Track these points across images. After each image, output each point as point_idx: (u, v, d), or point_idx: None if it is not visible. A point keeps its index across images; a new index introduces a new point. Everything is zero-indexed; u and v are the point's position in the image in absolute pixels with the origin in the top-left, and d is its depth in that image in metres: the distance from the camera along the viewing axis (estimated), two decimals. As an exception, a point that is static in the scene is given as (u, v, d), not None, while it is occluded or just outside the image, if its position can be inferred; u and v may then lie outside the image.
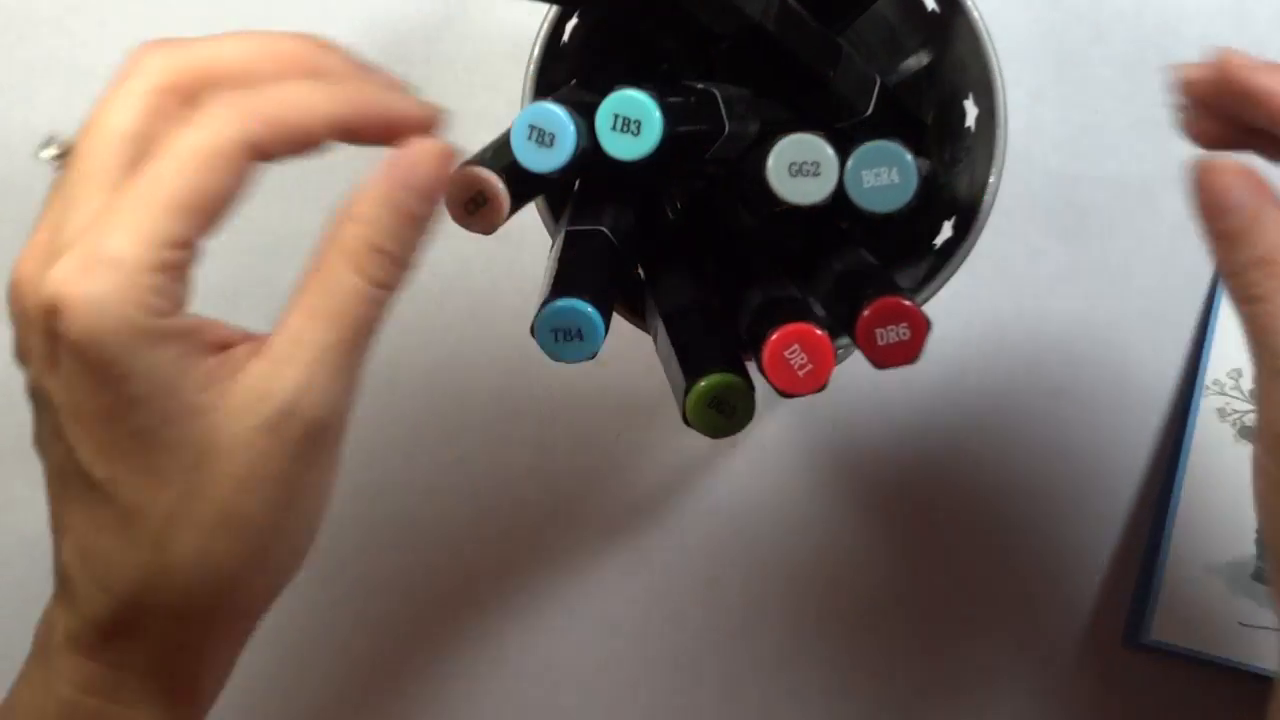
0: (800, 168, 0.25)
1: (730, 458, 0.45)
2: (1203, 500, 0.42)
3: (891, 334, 0.26)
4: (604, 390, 0.44)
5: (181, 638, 0.27)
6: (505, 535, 0.45)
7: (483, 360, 0.44)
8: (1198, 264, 0.44)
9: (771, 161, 0.25)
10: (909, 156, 0.26)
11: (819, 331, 0.26)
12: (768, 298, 0.29)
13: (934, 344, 0.43)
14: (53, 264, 0.26)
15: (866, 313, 0.26)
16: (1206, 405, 0.42)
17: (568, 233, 0.29)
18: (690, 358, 0.28)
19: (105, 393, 0.25)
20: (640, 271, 0.32)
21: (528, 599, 0.45)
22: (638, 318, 0.33)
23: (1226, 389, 0.43)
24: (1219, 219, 0.30)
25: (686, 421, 0.27)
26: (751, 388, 0.27)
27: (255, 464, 0.26)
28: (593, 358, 0.26)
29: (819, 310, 0.30)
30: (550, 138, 0.26)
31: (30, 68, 0.43)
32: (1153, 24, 0.43)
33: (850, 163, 0.26)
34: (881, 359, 0.26)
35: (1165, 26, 0.43)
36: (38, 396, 0.27)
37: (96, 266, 0.25)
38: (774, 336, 0.26)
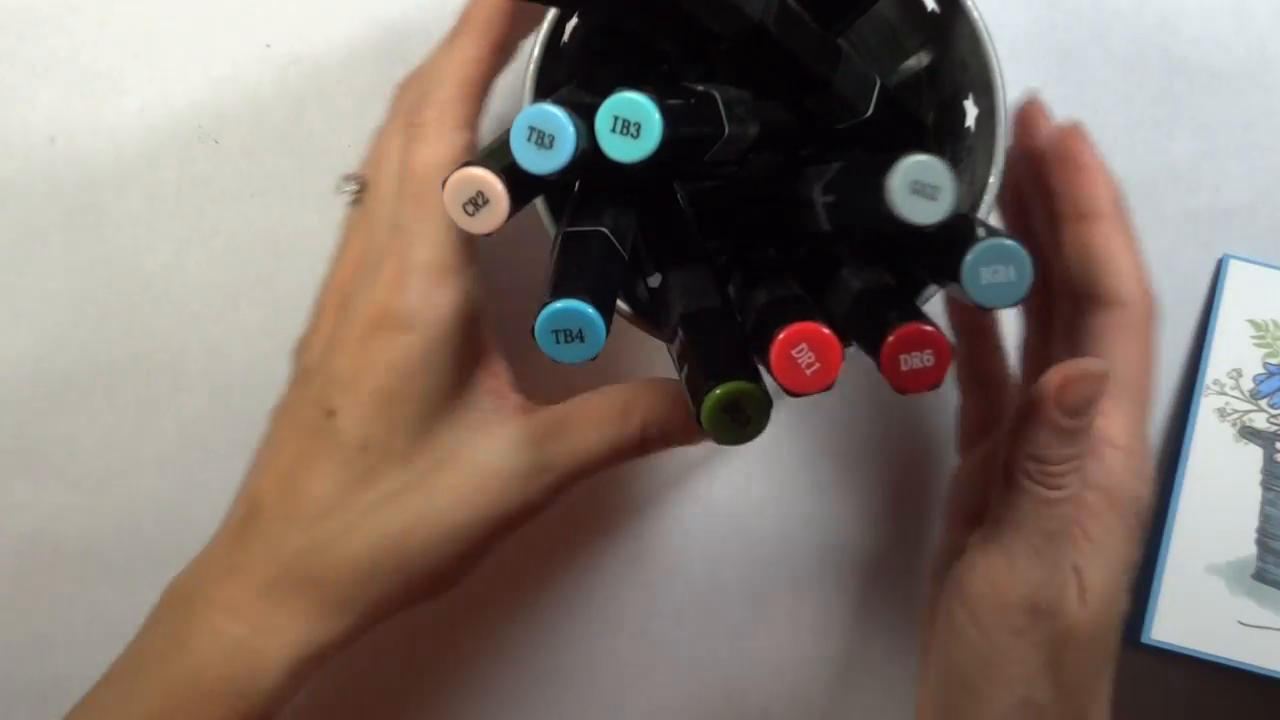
0: (922, 188, 0.25)
1: (730, 457, 0.45)
2: (1203, 500, 0.42)
3: (915, 360, 0.26)
4: (604, 390, 0.44)
5: (343, 596, 0.32)
6: (505, 535, 0.45)
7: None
8: (1198, 264, 0.44)
9: (896, 180, 0.25)
10: (1027, 255, 0.25)
11: (826, 330, 0.26)
12: (773, 296, 0.29)
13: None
14: (375, 277, 0.32)
15: (891, 339, 0.26)
16: (1206, 405, 0.43)
17: (567, 234, 0.29)
18: (710, 362, 0.28)
19: (396, 377, 0.31)
20: (650, 272, 0.32)
21: (527, 599, 0.45)
22: (641, 319, 0.33)
23: (1226, 389, 0.43)
24: (1073, 415, 0.32)
25: (700, 425, 0.27)
26: (768, 398, 0.27)
27: (475, 496, 0.32)
28: (594, 359, 0.26)
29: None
30: (550, 139, 0.26)
31: (30, 68, 0.43)
32: (1152, 23, 0.43)
33: (969, 259, 0.25)
34: (905, 385, 0.26)
35: (1165, 26, 0.43)
36: (311, 374, 0.33)
37: (408, 276, 0.31)
38: (781, 335, 0.26)
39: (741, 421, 0.27)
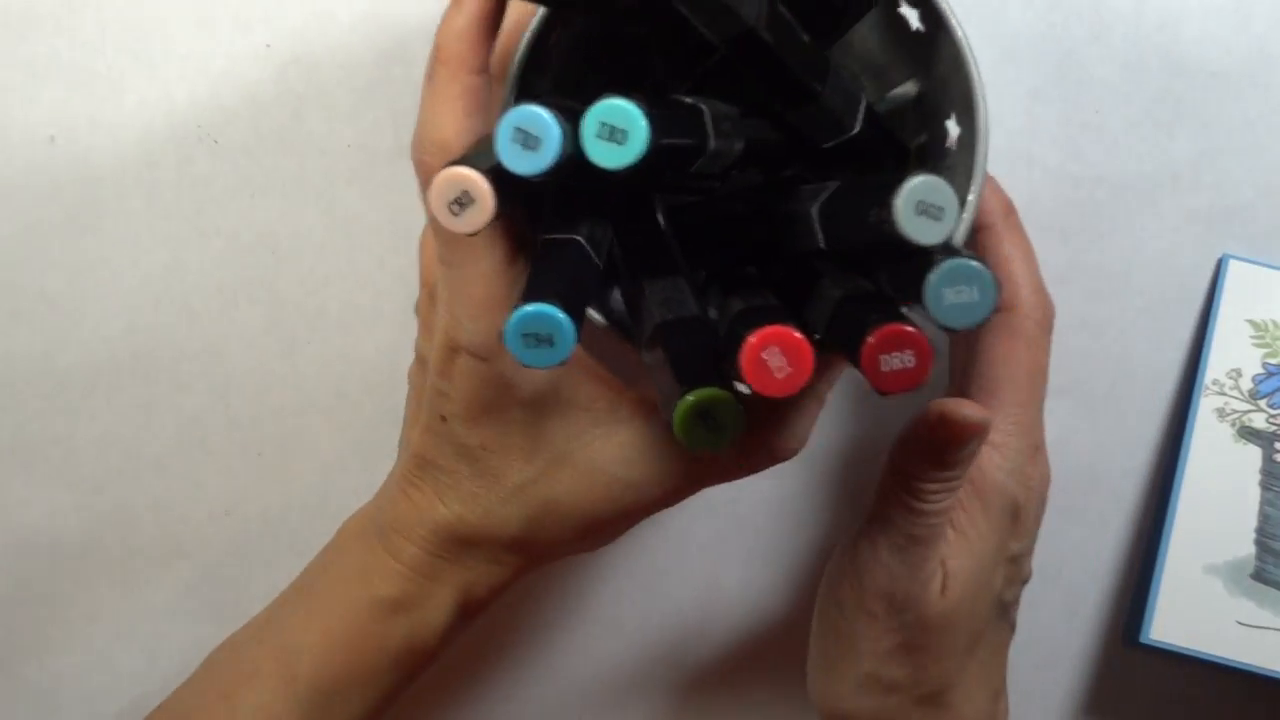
0: (927, 208, 0.25)
1: (730, 457, 0.45)
2: (1202, 500, 0.42)
3: (896, 360, 0.26)
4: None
5: (494, 557, 0.34)
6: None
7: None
8: (1198, 264, 0.44)
9: (902, 200, 0.25)
10: (990, 275, 0.26)
11: (797, 334, 0.26)
12: (748, 305, 0.29)
13: (933, 342, 0.43)
14: (439, 301, 0.33)
15: (871, 339, 0.26)
16: (1206, 405, 0.43)
17: (543, 241, 0.29)
18: (683, 370, 0.28)
19: (489, 392, 0.32)
20: (629, 280, 0.32)
21: (528, 599, 0.45)
22: (616, 329, 0.33)
23: (1226, 389, 0.43)
24: (948, 451, 0.33)
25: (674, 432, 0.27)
26: (741, 404, 0.27)
27: (594, 495, 0.33)
28: (563, 364, 0.26)
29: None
30: (535, 141, 0.26)
31: (30, 68, 0.43)
32: (1152, 23, 0.43)
33: (933, 278, 0.26)
34: (886, 386, 0.26)
35: (1165, 26, 0.43)
36: (423, 363, 0.35)
37: (460, 312, 0.32)
38: (752, 339, 0.26)
39: (714, 428, 0.27)
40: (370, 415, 0.44)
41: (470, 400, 0.32)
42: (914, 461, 0.34)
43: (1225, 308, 0.43)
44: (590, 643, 0.45)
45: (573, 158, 0.26)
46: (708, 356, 0.28)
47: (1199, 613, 0.42)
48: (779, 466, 0.45)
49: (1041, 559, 0.40)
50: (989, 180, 0.38)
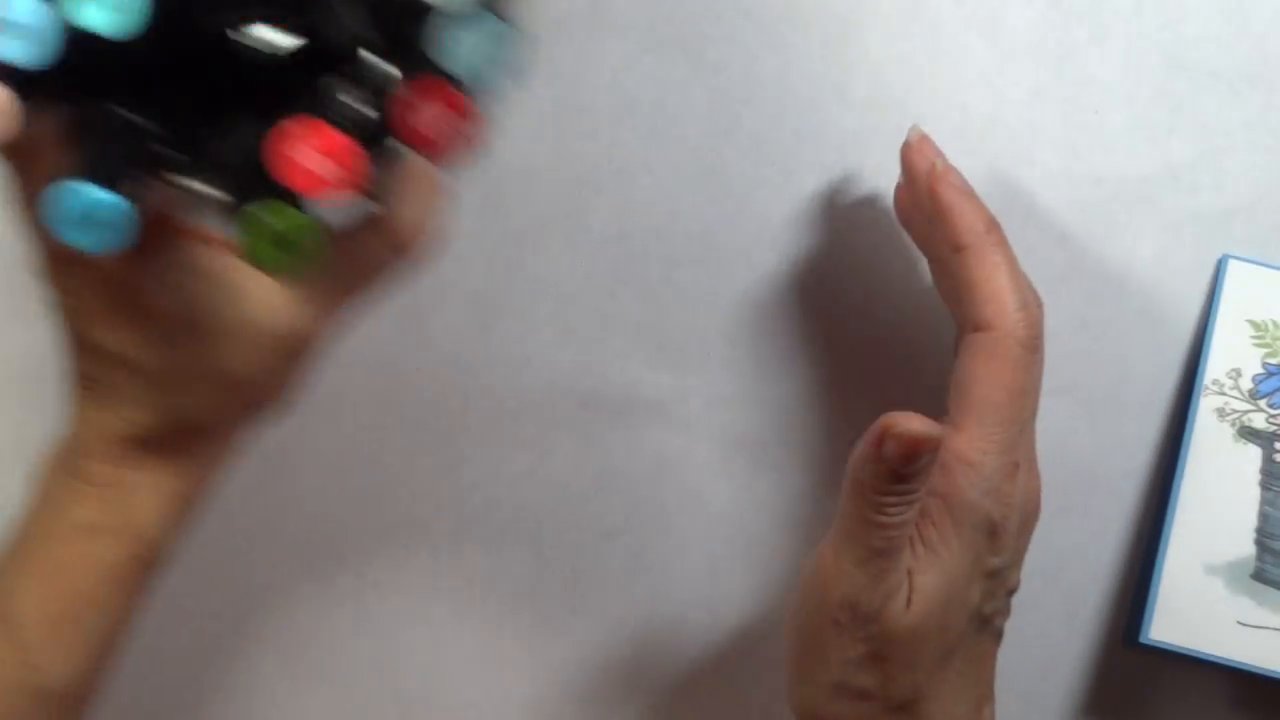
0: None
1: (731, 457, 0.45)
2: (1202, 500, 0.42)
3: (436, 120, 0.26)
4: (603, 391, 0.44)
5: (177, 453, 0.34)
6: (505, 535, 0.45)
7: (482, 361, 0.44)
8: (1197, 264, 0.44)
9: None
10: (503, 29, 0.25)
11: (320, 123, 0.26)
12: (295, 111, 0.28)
13: (932, 344, 0.43)
14: (31, 227, 0.32)
15: (400, 95, 0.25)
16: (1206, 405, 0.43)
17: (80, 118, 0.27)
18: (230, 180, 0.27)
19: (107, 289, 0.31)
20: (198, 132, 0.30)
21: (528, 599, 0.45)
22: (206, 186, 0.31)
23: (1226, 389, 0.43)
24: (900, 465, 0.33)
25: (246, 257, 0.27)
26: (295, 205, 0.27)
27: (253, 356, 0.33)
28: (122, 241, 0.25)
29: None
30: (20, 28, 0.24)
31: (31, 68, 0.43)
32: (1153, 23, 0.43)
33: (444, 27, 0.25)
34: (428, 146, 0.26)
35: (1165, 26, 0.43)
36: (60, 311, 0.34)
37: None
38: (275, 139, 0.26)
39: (284, 245, 0.27)
40: (369, 416, 0.44)
41: (94, 303, 0.32)
42: (868, 476, 0.34)
43: (1225, 308, 0.43)
44: (590, 643, 0.45)
45: (82, 35, 0.24)
46: (263, 179, 0.27)
47: (1199, 613, 0.42)
48: (777, 468, 0.45)
49: (1042, 559, 0.40)
50: (960, 202, 0.38)
